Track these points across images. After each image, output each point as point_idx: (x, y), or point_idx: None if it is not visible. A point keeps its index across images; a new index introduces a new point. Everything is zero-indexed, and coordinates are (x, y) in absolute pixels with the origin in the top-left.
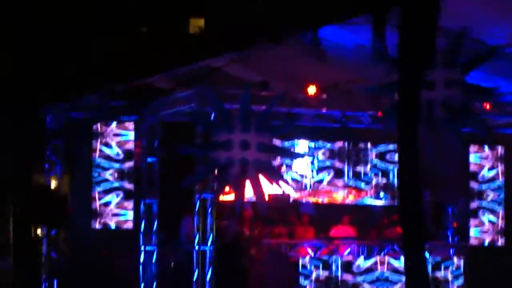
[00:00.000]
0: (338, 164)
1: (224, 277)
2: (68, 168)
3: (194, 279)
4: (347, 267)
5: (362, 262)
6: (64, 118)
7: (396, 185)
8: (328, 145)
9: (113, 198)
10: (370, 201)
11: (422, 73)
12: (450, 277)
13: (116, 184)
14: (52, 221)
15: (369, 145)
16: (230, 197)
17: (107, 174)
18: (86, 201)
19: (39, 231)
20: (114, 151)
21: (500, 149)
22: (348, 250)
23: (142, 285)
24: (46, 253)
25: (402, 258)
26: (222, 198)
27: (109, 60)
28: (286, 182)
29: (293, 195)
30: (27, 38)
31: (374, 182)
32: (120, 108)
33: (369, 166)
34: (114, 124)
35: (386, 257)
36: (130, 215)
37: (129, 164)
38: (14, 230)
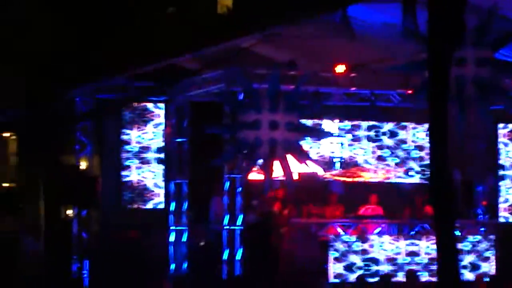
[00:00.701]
0: (366, 143)
1: (254, 256)
2: (98, 149)
3: (224, 259)
4: (377, 245)
5: (392, 241)
6: (93, 100)
7: (426, 163)
8: (357, 124)
9: (144, 178)
10: (400, 179)
11: (452, 51)
12: (481, 254)
13: (147, 164)
14: (82, 202)
15: (399, 124)
16: (260, 176)
17: (138, 155)
18: (117, 181)
19: (69, 211)
20: (145, 131)
21: None
22: (379, 229)
23: (173, 265)
24: (77, 234)
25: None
26: (252, 177)
27: (137, 40)
28: (315, 161)
29: (322, 174)
30: (57, 21)
31: (403, 160)
32: (149, 89)
33: (399, 144)
34: (144, 104)
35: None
36: (161, 195)
37: (159, 144)
38: (45, 211)
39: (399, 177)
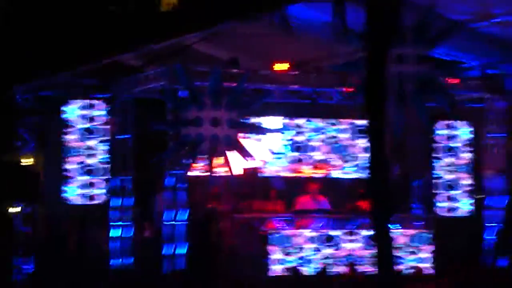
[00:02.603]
0: (308, 139)
1: (196, 251)
2: (41, 145)
3: (166, 254)
4: (319, 239)
5: (333, 235)
6: (35, 97)
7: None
8: (298, 120)
9: (86, 175)
10: (338, 174)
11: (388, 49)
12: (419, 248)
13: (89, 161)
14: (25, 198)
15: (338, 121)
16: (202, 173)
17: (80, 151)
18: (59, 177)
19: (13, 208)
20: (88, 128)
21: None
22: (321, 224)
23: (118, 260)
24: (20, 230)
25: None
26: (194, 173)
27: (79, 38)
28: (256, 157)
29: (263, 170)
30: None
31: (342, 156)
32: (92, 86)
33: (339, 141)
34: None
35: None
36: (103, 191)
37: (101, 141)
38: None
39: (338, 171)
